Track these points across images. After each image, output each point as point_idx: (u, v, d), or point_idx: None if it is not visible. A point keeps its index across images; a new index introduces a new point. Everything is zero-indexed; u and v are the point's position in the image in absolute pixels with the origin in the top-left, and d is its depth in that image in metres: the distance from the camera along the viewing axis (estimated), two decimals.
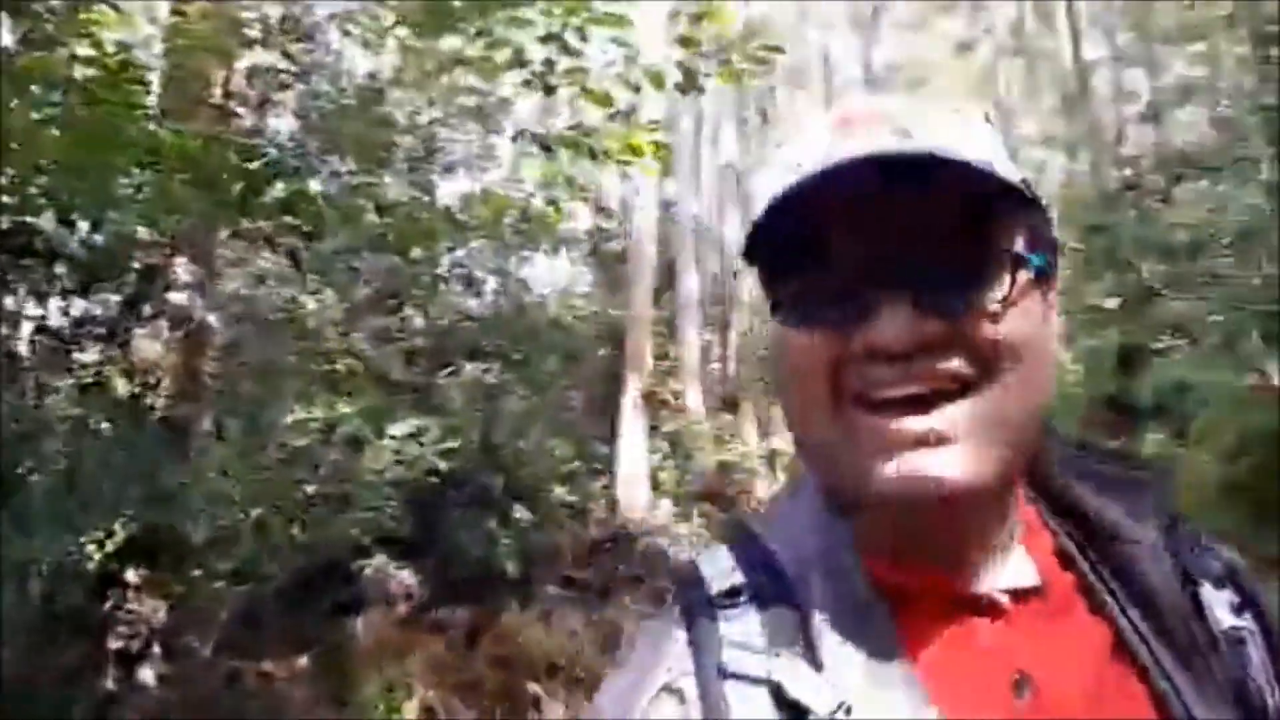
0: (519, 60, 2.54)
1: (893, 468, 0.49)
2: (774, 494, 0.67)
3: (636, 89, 2.49)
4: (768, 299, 0.56)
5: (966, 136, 0.52)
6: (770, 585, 0.54)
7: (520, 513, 5.98)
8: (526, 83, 2.56)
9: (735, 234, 11.31)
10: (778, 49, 2.62)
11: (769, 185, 0.53)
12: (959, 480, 0.49)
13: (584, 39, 2.47)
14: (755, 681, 0.50)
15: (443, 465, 3.63)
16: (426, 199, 4.03)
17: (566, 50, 2.47)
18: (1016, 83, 28.52)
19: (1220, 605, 0.58)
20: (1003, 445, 0.51)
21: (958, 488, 0.49)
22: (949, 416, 0.50)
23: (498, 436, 5.79)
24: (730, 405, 9.98)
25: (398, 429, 5.38)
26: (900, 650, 0.51)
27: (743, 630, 0.52)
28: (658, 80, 2.47)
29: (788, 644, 0.51)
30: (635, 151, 2.56)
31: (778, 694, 0.49)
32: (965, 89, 29.37)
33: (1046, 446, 0.59)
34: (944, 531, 0.53)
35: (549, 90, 2.55)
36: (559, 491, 6.35)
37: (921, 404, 0.50)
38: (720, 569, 0.56)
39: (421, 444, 5.19)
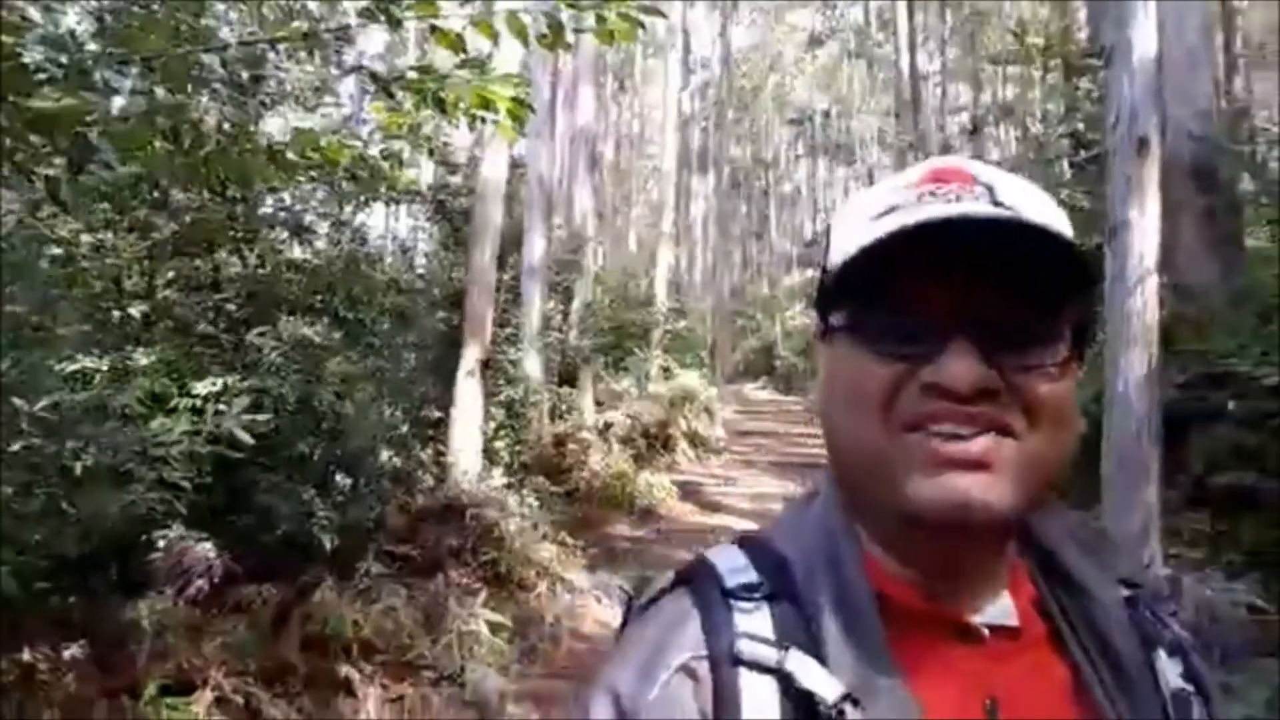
0: None
1: (941, 485, 0.55)
2: (786, 504, 0.71)
3: (495, 36, 2.25)
4: (822, 324, 0.62)
5: (1058, 218, 0.59)
6: (781, 584, 0.60)
7: (341, 480, 5.57)
8: (367, 11, 2.24)
9: (586, 200, 11.13)
10: (658, 12, 2.45)
11: (853, 224, 0.60)
12: (994, 505, 0.55)
13: None
14: (766, 670, 0.56)
15: (247, 438, 3.22)
16: (247, 130, 3.54)
17: None
18: (857, 82, 30.10)
19: (1171, 670, 0.64)
20: (1030, 486, 0.57)
21: (992, 511, 0.55)
22: (991, 447, 0.55)
23: (320, 399, 5.32)
24: (569, 376, 9.86)
25: (203, 387, 4.82)
26: (891, 661, 0.56)
27: (756, 623, 0.58)
28: (518, 28, 2.24)
29: (796, 640, 0.57)
30: (488, 106, 2.32)
31: (787, 684, 0.55)
32: (812, 80, 30.65)
33: (1037, 509, 0.63)
34: (959, 556, 0.60)
35: (394, 23, 2.24)
36: (385, 458, 5.97)
37: (968, 435, 0.55)
38: (735, 565, 0.62)
39: (226, 406, 4.67)
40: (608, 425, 9.86)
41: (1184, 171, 6.95)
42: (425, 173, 10.10)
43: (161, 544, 4.69)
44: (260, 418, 3.19)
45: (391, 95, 2.42)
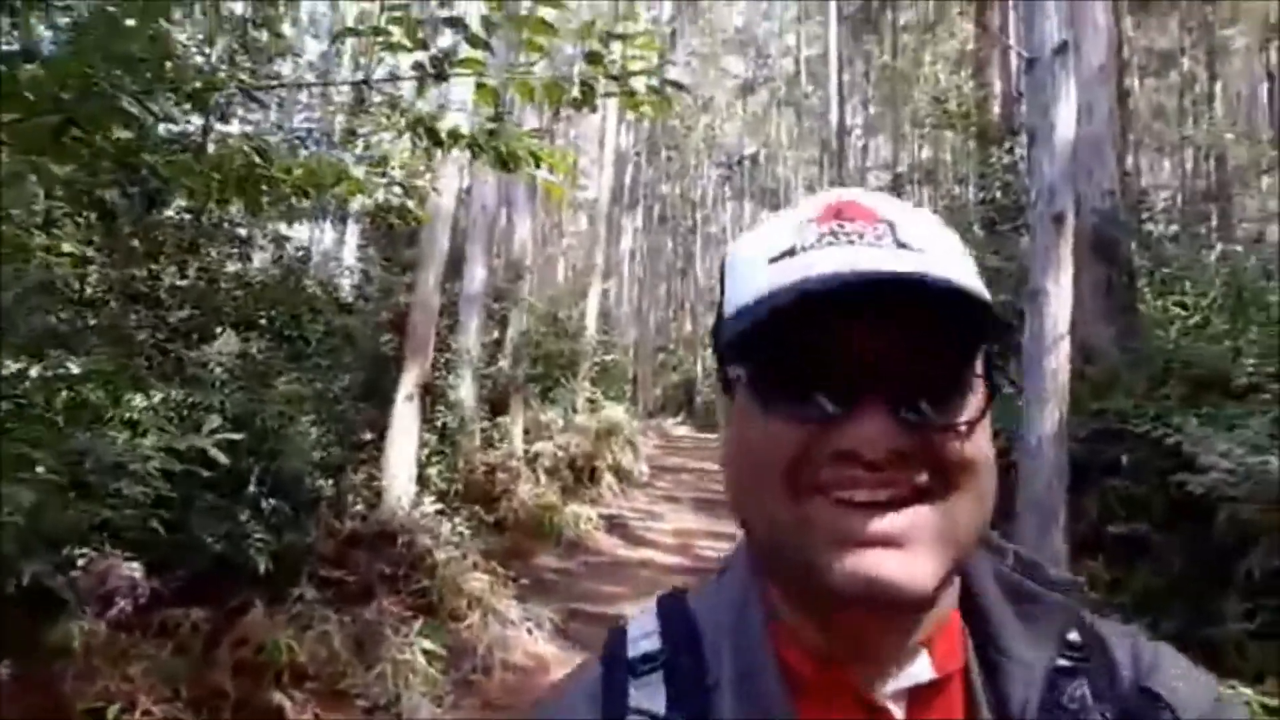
0: (417, 40, 2.32)
1: (850, 564, 0.51)
2: (721, 561, 0.67)
3: (532, 94, 2.39)
4: (724, 377, 0.58)
5: (959, 257, 0.56)
6: (684, 652, 0.59)
7: (278, 502, 5.45)
8: (418, 66, 2.35)
9: (525, 230, 11.22)
10: (683, 87, 2.65)
11: (749, 266, 0.57)
12: (914, 583, 0.51)
13: (490, 33, 2.33)
14: None
15: (222, 457, 3.15)
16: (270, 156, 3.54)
17: (474, 41, 2.30)
18: (785, 130, 31.30)
19: None
20: (950, 554, 0.53)
21: (912, 591, 0.51)
22: (907, 521, 0.52)
23: (262, 418, 5.23)
24: (501, 405, 9.86)
25: (142, 400, 4.68)
26: None
27: (648, 695, 0.57)
28: (555, 92, 2.39)
29: (688, 710, 0.56)
30: (549, 165, 2.46)
31: None
32: (742, 124, 31.66)
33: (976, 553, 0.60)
34: (874, 630, 0.55)
35: (442, 77, 2.36)
36: (320, 483, 5.87)
37: (881, 506, 0.52)
38: (643, 631, 0.61)
39: (170, 420, 4.55)
40: (536, 455, 9.88)
41: (1088, 244, 7.62)
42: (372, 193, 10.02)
43: (81, 561, 4.51)
44: (233, 436, 3.14)
45: (440, 144, 2.52)
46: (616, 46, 2.34)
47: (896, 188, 15.76)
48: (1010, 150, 9.97)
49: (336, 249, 13.53)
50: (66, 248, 4.40)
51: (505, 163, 2.46)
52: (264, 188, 2.67)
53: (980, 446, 0.54)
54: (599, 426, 11.83)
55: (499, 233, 11.73)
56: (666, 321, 29.13)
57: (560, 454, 10.30)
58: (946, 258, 0.54)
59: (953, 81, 17.58)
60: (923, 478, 0.52)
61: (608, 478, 11.18)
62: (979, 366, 0.55)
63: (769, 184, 29.96)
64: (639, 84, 2.39)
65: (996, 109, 13.55)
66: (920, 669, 0.56)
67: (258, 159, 2.57)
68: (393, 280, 8.54)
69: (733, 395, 0.58)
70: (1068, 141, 5.67)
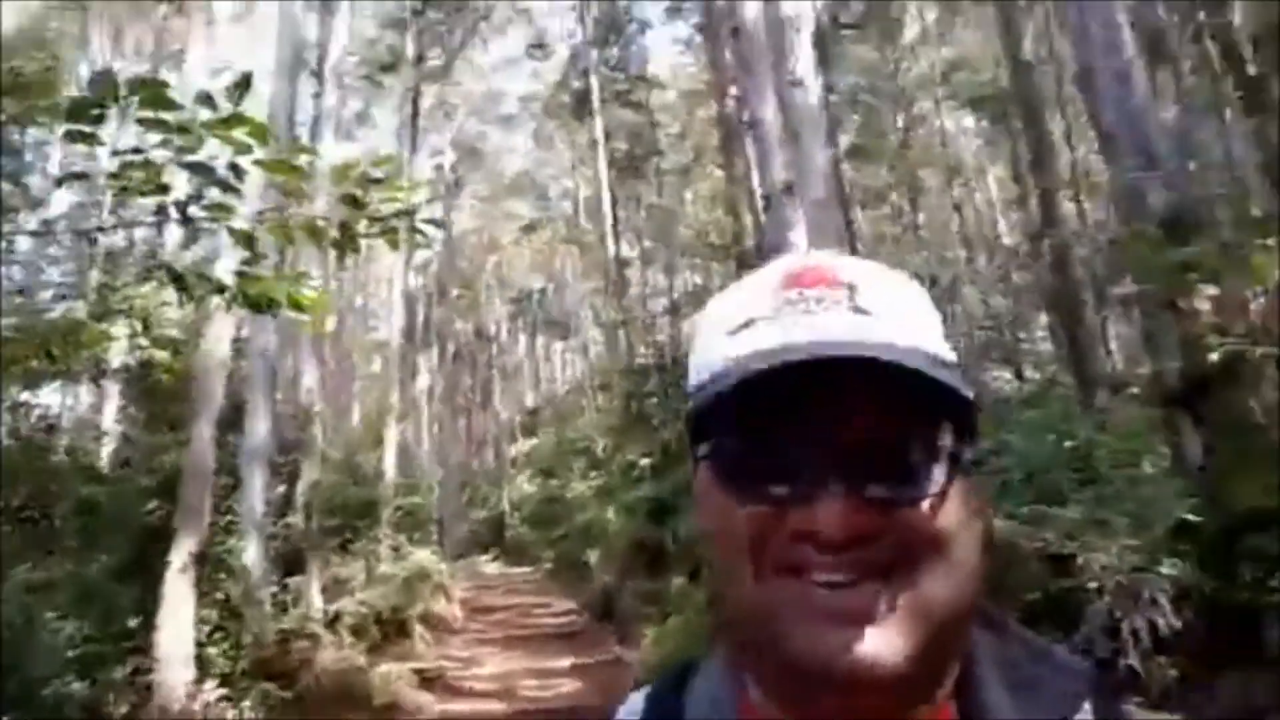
0: (157, 185, 2.26)
1: (817, 641, 0.50)
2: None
3: (291, 238, 2.39)
4: (692, 449, 0.57)
5: (919, 318, 0.56)
6: None
7: (15, 717, 4.60)
8: (160, 209, 2.28)
9: (312, 376, 10.71)
10: (439, 223, 2.76)
11: (709, 339, 0.57)
12: (882, 661, 0.49)
13: (239, 177, 2.31)
14: None
15: None
16: None
17: (221, 185, 2.28)
18: (570, 264, 32.64)
19: None
20: (923, 632, 0.50)
21: (880, 669, 0.49)
22: (871, 599, 0.50)
23: None
24: (295, 565, 9.07)
25: None
26: None
27: None
28: (315, 233, 2.41)
29: None
30: (301, 307, 2.42)
31: None
32: (529, 261, 32.66)
33: (975, 640, 0.57)
34: (846, 713, 0.51)
35: (187, 221, 2.30)
36: (74, 686, 5.05)
37: (845, 585, 0.50)
38: (629, 712, 0.63)
39: None
40: (337, 615, 9.11)
41: None
42: (117, 347, 9.18)
43: None
44: None
45: (187, 290, 2.42)
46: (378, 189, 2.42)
47: (673, 312, 16.88)
48: None
49: (94, 413, 12.12)
50: None
51: (258, 305, 2.43)
52: None
53: (951, 519, 0.52)
54: (406, 575, 11.17)
55: (283, 380, 11.11)
56: (469, 457, 28.46)
57: (365, 610, 9.57)
58: (903, 322, 0.54)
59: (713, 216, 19.45)
60: (885, 556, 0.50)
61: (419, 629, 10.48)
62: (950, 440, 0.53)
63: (559, 316, 30.91)
64: (398, 222, 2.48)
65: (750, 240, 15.12)
66: None
67: None
68: (158, 441, 7.76)
69: (699, 472, 0.57)
70: None
